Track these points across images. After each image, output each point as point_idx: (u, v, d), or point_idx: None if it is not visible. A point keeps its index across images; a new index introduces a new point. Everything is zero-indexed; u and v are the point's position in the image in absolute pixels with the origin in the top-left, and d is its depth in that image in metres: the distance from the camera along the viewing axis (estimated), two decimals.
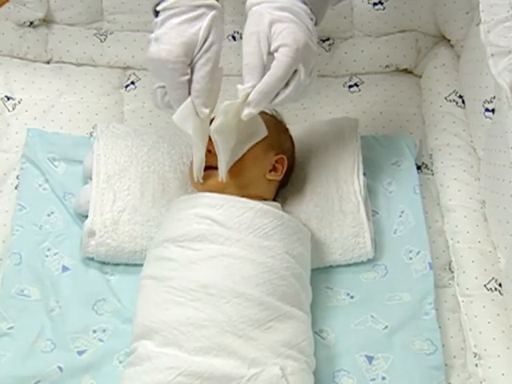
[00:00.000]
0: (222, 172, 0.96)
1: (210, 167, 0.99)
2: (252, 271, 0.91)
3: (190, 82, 0.89)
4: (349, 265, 1.05)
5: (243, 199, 0.97)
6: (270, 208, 0.97)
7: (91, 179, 1.08)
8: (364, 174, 1.11)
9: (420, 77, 1.28)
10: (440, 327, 1.00)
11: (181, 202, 1.00)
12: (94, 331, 0.98)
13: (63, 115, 1.21)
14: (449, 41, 1.28)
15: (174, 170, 1.10)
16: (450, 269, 1.08)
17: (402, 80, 1.28)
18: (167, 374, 0.85)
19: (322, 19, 0.93)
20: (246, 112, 0.88)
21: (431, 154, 1.19)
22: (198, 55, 0.89)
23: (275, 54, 0.87)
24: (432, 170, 1.17)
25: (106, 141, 1.11)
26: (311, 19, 0.90)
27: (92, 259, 1.04)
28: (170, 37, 0.88)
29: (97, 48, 1.28)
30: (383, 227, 1.09)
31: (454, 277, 1.06)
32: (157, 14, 0.91)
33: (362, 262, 1.05)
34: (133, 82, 1.27)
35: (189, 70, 0.89)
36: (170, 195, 1.07)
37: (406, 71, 1.30)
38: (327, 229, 1.05)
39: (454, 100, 1.21)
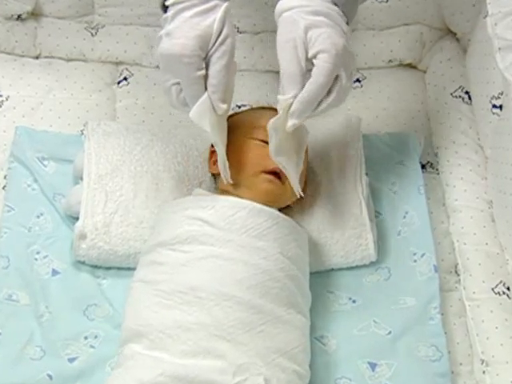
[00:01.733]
0: (297, 189, 0.97)
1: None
2: (244, 273, 0.91)
3: (205, 77, 0.90)
4: (351, 268, 1.06)
5: (236, 199, 0.97)
6: (264, 207, 0.97)
7: (82, 179, 1.09)
8: (366, 174, 1.11)
9: (425, 72, 1.29)
10: (446, 333, 1.01)
11: (174, 205, 1.00)
12: (86, 337, 0.99)
13: (53, 112, 1.21)
14: (455, 34, 1.28)
15: (168, 169, 1.10)
16: (456, 272, 1.08)
17: (406, 75, 1.29)
18: (148, 373, 0.85)
19: (353, 19, 0.94)
20: (290, 123, 0.90)
21: (436, 153, 1.19)
22: (213, 48, 0.89)
23: (314, 61, 0.88)
24: (437, 169, 1.18)
25: (98, 139, 1.11)
26: (345, 21, 0.91)
27: (83, 263, 1.04)
28: (182, 30, 0.88)
29: (88, 42, 1.28)
30: (387, 229, 1.09)
31: (460, 280, 1.07)
32: (165, 9, 0.91)
33: (365, 265, 1.06)
34: (125, 78, 1.27)
35: (204, 65, 0.89)
36: (164, 195, 1.08)
37: (410, 66, 1.30)
38: (328, 230, 1.06)
39: (460, 96, 1.22)
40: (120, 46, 1.28)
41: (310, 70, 0.89)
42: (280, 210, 1.02)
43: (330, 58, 0.87)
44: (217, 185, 1.07)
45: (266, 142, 0.95)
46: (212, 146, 1.06)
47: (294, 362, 0.90)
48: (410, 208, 1.11)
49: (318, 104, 0.90)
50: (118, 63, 1.29)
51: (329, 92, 0.89)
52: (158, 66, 1.25)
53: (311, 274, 1.01)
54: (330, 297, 1.04)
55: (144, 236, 1.04)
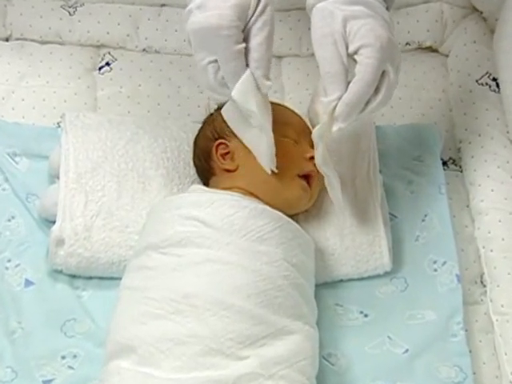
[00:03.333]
0: (340, 202, 1.00)
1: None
2: (243, 279, 0.92)
3: (245, 51, 0.90)
4: (362, 278, 1.07)
5: (236, 197, 0.98)
6: (267, 208, 0.98)
7: (59, 178, 1.10)
8: (380, 171, 1.12)
9: (447, 56, 1.30)
10: (470, 351, 1.02)
11: (165, 204, 1.02)
12: (63, 357, 1.00)
13: (25, 102, 1.22)
14: (481, 13, 1.29)
15: (157, 166, 1.11)
16: (481, 282, 1.09)
17: (426, 60, 1.29)
18: None
19: (392, 5, 0.95)
20: (336, 128, 0.91)
21: (459, 148, 1.20)
22: (253, 18, 0.90)
23: (357, 58, 0.89)
24: (460, 166, 1.19)
25: (76, 132, 1.12)
26: (384, 7, 0.92)
27: (60, 272, 1.06)
28: (216, 1, 0.89)
29: (65, 22, 1.29)
30: (403, 233, 1.11)
31: (486, 292, 1.08)
32: None
33: (378, 275, 1.07)
34: (108, 63, 1.28)
35: (242, 38, 0.90)
36: (151, 196, 1.09)
37: (431, 49, 1.31)
38: (337, 236, 1.07)
39: (486, 83, 1.23)
40: (101, 27, 1.29)
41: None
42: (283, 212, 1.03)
43: (374, 52, 0.88)
44: (220, 184, 1.06)
45: (296, 141, 0.98)
46: (216, 137, 1.06)
47: (303, 375, 0.91)
48: (429, 210, 1.12)
49: (365, 104, 0.91)
50: (99, 46, 1.29)
51: (376, 90, 0.91)
52: (144, 50, 1.30)
53: (317, 285, 1.03)
54: (339, 310, 1.05)
55: (130, 241, 1.05)
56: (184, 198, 1.00)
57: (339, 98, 0.90)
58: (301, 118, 1.09)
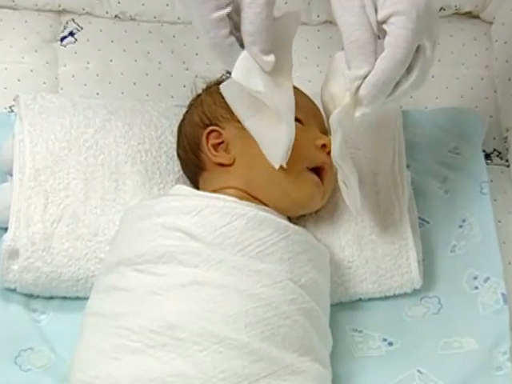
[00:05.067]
0: (357, 204, 0.99)
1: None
2: (240, 306, 0.91)
3: (234, 23, 0.89)
4: (386, 297, 1.07)
5: (230, 202, 0.98)
6: (269, 215, 0.97)
7: (12, 175, 1.10)
8: (408, 167, 1.12)
9: (490, 23, 1.29)
10: None
11: (142, 208, 1.01)
12: None
13: None
14: None
15: (132, 160, 1.12)
16: None
17: (464, 28, 1.29)
18: None
19: None
20: (359, 113, 0.91)
21: (506, 137, 1.20)
22: None
23: (386, 27, 0.89)
24: (507, 160, 1.19)
25: (34, 119, 1.12)
26: None
27: (14, 291, 1.06)
28: None
29: None
30: (436, 243, 1.11)
31: None
32: None
33: (406, 294, 1.07)
34: (72, 33, 1.27)
35: (227, 2, 0.88)
36: (126, 198, 1.09)
37: (471, 15, 1.31)
38: (354, 246, 1.07)
39: None
40: None
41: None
42: (288, 218, 1.03)
43: (408, 21, 0.87)
44: (212, 182, 1.05)
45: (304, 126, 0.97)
46: (207, 123, 1.05)
47: None
48: (468, 214, 1.12)
49: (395, 86, 0.90)
50: (60, 12, 1.29)
51: (409, 69, 0.90)
52: (117, 16, 1.29)
53: (331, 306, 1.02)
54: (357, 337, 1.05)
55: (99, 253, 1.05)
56: (166, 203, 0.99)
57: (367, 74, 0.89)
58: (309, 98, 1.09)
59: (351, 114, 0.92)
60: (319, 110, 1.06)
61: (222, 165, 1.04)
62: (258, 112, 0.97)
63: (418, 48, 0.90)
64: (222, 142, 1.05)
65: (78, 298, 1.05)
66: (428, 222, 1.12)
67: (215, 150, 1.05)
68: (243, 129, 1.00)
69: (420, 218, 1.11)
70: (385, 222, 1.08)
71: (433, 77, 1.22)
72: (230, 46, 0.90)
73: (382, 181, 1.10)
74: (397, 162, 1.11)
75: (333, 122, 0.93)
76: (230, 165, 1.04)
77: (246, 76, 0.91)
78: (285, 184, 1.02)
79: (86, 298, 1.00)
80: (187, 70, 1.25)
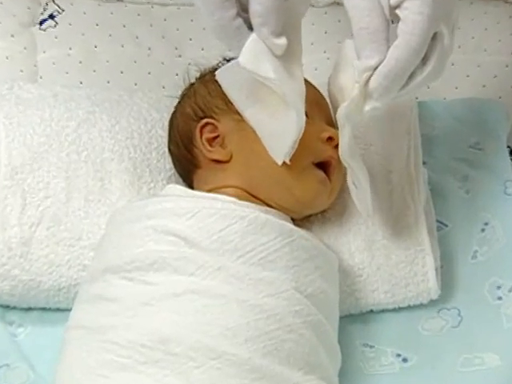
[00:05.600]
0: (368, 206, 0.99)
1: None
2: (240, 318, 0.90)
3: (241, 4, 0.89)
4: (400, 309, 1.06)
5: (229, 203, 0.97)
6: (272, 218, 0.97)
7: None
8: (424, 163, 1.11)
9: None
10: None
11: (130, 210, 1.00)
12: None
13: None
14: None
15: (119, 157, 1.11)
16: None
17: (488, 11, 1.30)
18: None
19: None
20: (369, 107, 0.91)
21: None
22: None
23: (400, 13, 0.88)
24: None
25: (10, 111, 1.12)
26: None
27: None
28: None
29: None
30: (455, 248, 1.11)
31: None
32: None
33: (422, 305, 1.06)
34: (52, 16, 1.28)
35: None
36: (112, 198, 1.09)
37: None
38: (365, 251, 1.07)
39: None
40: None
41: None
42: (292, 220, 1.02)
43: (424, 6, 0.86)
44: (208, 181, 1.05)
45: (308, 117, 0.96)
46: (201, 115, 1.05)
47: None
48: (491, 217, 1.12)
49: (409, 77, 0.89)
50: None
51: (424, 58, 0.89)
52: None
53: (340, 318, 1.02)
54: (369, 353, 1.05)
55: (83, 259, 1.05)
56: (157, 204, 0.98)
57: (378, 65, 0.88)
58: (315, 87, 1.08)
59: (360, 108, 0.91)
60: (325, 101, 1.06)
61: (217, 161, 1.04)
62: (260, 101, 0.97)
63: (435, 35, 0.89)
64: (218, 136, 1.05)
65: (59, 310, 1.05)
66: (446, 225, 1.12)
67: (210, 144, 1.05)
68: (241, 121, 1.00)
69: (438, 221, 1.11)
70: (399, 225, 1.07)
71: (452, 64, 1.23)
72: (238, 28, 0.89)
73: (396, 179, 1.10)
74: (412, 158, 1.11)
75: (340, 116, 0.93)
76: (227, 161, 1.04)
77: (254, 61, 0.90)
78: (288, 181, 1.01)
79: (69, 310, 0.99)
80: (180, 56, 1.26)
